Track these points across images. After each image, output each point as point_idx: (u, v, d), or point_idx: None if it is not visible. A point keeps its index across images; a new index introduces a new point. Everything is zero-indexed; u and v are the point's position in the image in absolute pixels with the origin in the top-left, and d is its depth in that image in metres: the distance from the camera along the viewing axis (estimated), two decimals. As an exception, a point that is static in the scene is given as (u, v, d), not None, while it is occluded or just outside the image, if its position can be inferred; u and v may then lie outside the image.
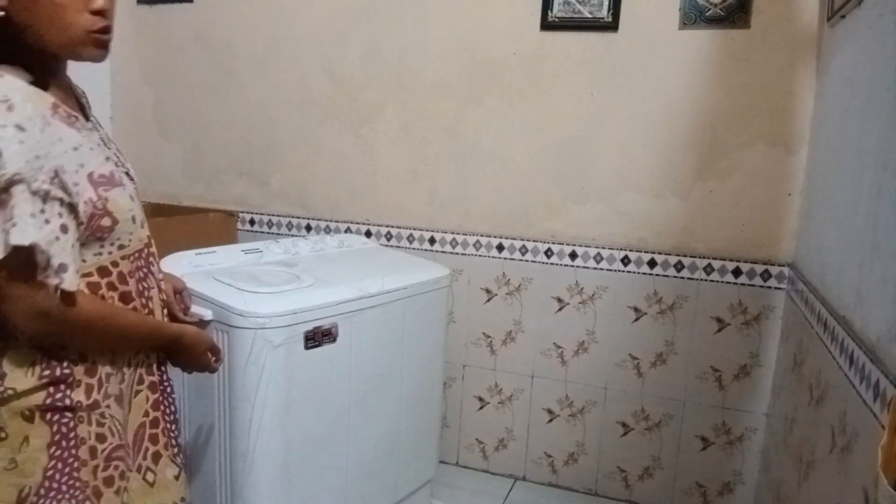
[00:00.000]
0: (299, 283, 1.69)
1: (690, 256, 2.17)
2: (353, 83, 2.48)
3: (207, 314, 1.54)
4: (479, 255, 2.41)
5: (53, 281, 0.94)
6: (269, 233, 2.68)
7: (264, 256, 1.92)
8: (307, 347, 1.59)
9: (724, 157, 2.10)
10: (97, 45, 1.01)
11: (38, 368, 1.01)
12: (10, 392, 0.99)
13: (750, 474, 2.19)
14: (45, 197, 0.92)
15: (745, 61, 2.04)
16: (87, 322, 1.01)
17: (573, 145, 2.25)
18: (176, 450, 1.25)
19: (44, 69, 1.00)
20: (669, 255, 2.19)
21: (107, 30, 1.02)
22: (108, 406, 1.08)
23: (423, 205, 2.46)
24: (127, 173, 1.15)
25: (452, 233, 2.43)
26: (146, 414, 1.18)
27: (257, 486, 1.56)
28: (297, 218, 2.64)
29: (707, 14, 2.05)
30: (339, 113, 2.52)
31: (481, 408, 2.49)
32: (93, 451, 1.06)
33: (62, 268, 0.94)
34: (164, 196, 2.82)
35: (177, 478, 1.23)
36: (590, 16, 2.16)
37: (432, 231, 2.46)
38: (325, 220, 2.60)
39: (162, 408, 1.22)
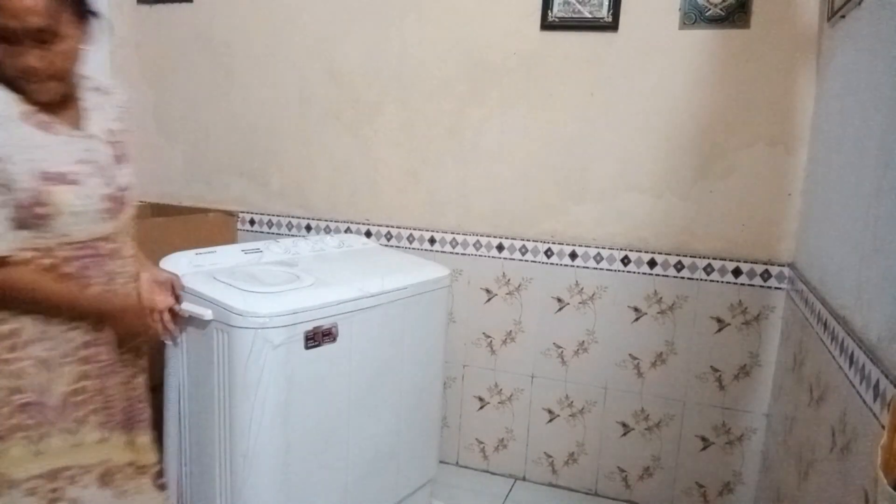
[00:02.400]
0: (299, 282, 1.69)
1: (690, 256, 2.17)
2: (353, 83, 2.48)
3: (207, 314, 1.54)
4: (479, 256, 2.41)
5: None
6: (269, 233, 2.68)
7: (264, 256, 1.92)
8: (307, 347, 1.59)
9: (723, 157, 2.10)
10: (35, 93, 1.22)
11: None
12: None
13: (750, 474, 2.19)
14: None
15: (745, 61, 2.04)
16: (9, 285, 1.20)
17: (573, 145, 2.25)
18: (107, 419, 1.38)
19: (35, 89, 1.21)
20: (669, 255, 2.19)
21: (40, 79, 1.20)
22: (29, 365, 1.25)
23: (423, 205, 2.46)
24: (112, 177, 1.33)
25: (452, 233, 2.43)
26: (71, 384, 1.32)
27: (257, 486, 1.56)
28: (297, 218, 2.64)
29: (707, 14, 2.05)
30: (339, 113, 2.52)
31: (481, 408, 2.49)
32: (2, 402, 1.24)
33: (7, 239, 1.16)
34: (164, 196, 2.82)
35: (101, 442, 1.37)
36: (590, 16, 2.16)
37: (432, 231, 2.46)
38: (325, 220, 2.60)
39: (93, 382, 1.35)
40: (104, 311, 1.33)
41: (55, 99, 1.26)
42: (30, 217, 1.20)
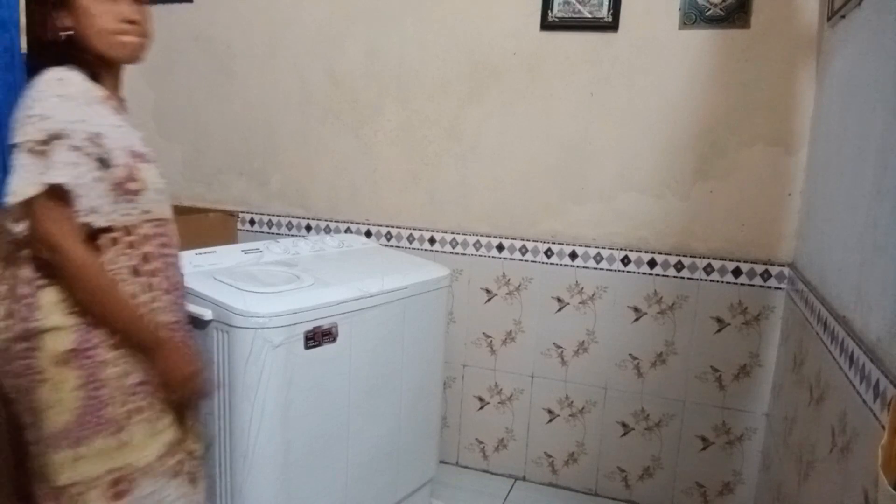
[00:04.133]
0: (299, 283, 1.69)
1: (690, 256, 2.17)
2: (353, 83, 2.48)
3: (207, 314, 1.54)
4: (479, 255, 2.41)
5: (85, 219, 1.17)
6: (269, 233, 2.68)
7: (264, 256, 1.92)
8: (307, 347, 1.59)
9: (723, 157, 2.10)
10: (124, 47, 1.28)
11: (68, 305, 1.19)
12: (42, 323, 1.18)
13: (750, 474, 2.19)
14: (81, 151, 1.17)
15: (745, 61, 2.04)
16: (80, 271, 1.18)
17: (573, 145, 2.25)
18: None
19: (104, 74, 1.29)
20: (669, 255, 2.19)
21: (133, 33, 1.28)
22: (122, 347, 1.24)
23: (422, 205, 2.46)
24: None
25: (452, 233, 2.43)
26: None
27: (257, 486, 1.56)
28: (297, 218, 2.64)
29: (707, 14, 2.05)
30: (339, 113, 2.52)
31: (481, 408, 2.49)
32: (115, 390, 1.22)
33: (93, 209, 1.18)
34: (164, 196, 2.81)
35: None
36: (590, 16, 2.16)
37: (432, 231, 2.46)
38: (325, 220, 2.60)
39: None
40: (155, 344, 1.27)
41: (134, 62, 1.32)
42: (122, 192, 1.24)
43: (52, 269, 1.19)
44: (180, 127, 2.77)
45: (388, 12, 2.40)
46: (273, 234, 2.67)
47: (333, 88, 2.51)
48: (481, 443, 2.51)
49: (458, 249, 2.43)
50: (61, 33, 1.24)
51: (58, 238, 1.16)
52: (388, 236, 2.51)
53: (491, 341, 2.43)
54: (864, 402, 1.09)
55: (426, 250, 2.45)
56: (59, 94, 1.17)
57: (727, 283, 2.14)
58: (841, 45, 1.65)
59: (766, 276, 2.09)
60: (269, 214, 2.68)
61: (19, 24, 2.42)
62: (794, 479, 1.59)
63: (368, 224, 2.54)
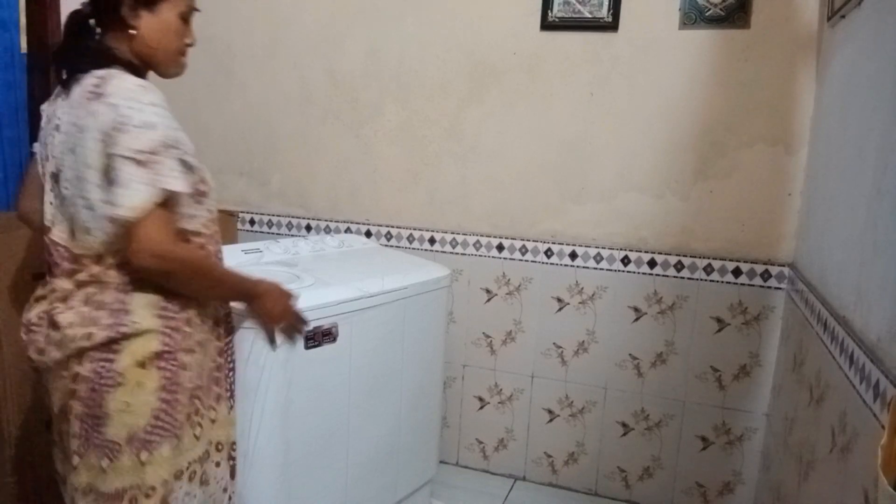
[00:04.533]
0: (299, 283, 1.69)
1: (690, 256, 2.17)
2: (353, 83, 2.48)
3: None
4: (479, 256, 2.41)
5: (185, 225, 1.21)
6: (269, 233, 2.68)
7: (264, 256, 1.92)
8: (307, 347, 1.59)
9: (723, 157, 2.10)
10: (178, 67, 1.36)
11: (156, 309, 1.21)
12: (136, 326, 1.18)
13: (750, 474, 2.19)
14: (180, 159, 1.20)
15: (745, 61, 2.04)
16: (194, 266, 1.23)
17: (573, 145, 2.25)
18: (230, 393, 1.43)
19: (180, 65, 1.36)
20: (669, 255, 2.19)
21: (187, 56, 1.37)
22: (195, 351, 1.27)
23: (422, 205, 2.46)
24: None
25: (452, 233, 2.43)
26: (214, 360, 1.36)
27: (257, 486, 1.56)
28: (297, 218, 2.64)
29: (707, 14, 2.05)
30: (339, 113, 2.52)
31: (481, 408, 2.49)
32: (184, 393, 1.24)
33: (190, 216, 1.22)
34: (164, 196, 2.81)
35: (229, 412, 1.41)
36: (590, 16, 2.16)
37: (432, 231, 2.46)
38: (325, 220, 2.60)
39: (225, 354, 1.40)
40: (256, 292, 1.39)
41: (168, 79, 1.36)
42: (197, 195, 1.27)
43: (137, 274, 1.19)
44: (180, 127, 2.76)
45: (388, 12, 2.40)
46: (273, 234, 2.67)
47: (333, 88, 2.51)
48: (481, 443, 2.51)
49: (458, 249, 2.43)
50: (131, 31, 1.25)
51: (166, 245, 1.17)
52: (388, 236, 2.51)
53: (491, 341, 2.43)
54: (864, 402, 1.09)
55: (426, 250, 2.45)
56: (151, 102, 1.17)
57: (727, 283, 2.14)
58: (841, 45, 1.65)
59: (766, 276, 2.09)
60: (269, 214, 2.68)
61: (19, 24, 2.42)
62: (794, 479, 1.59)
63: (368, 224, 2.54)
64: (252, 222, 2.71)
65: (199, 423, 1.29)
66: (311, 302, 1.60)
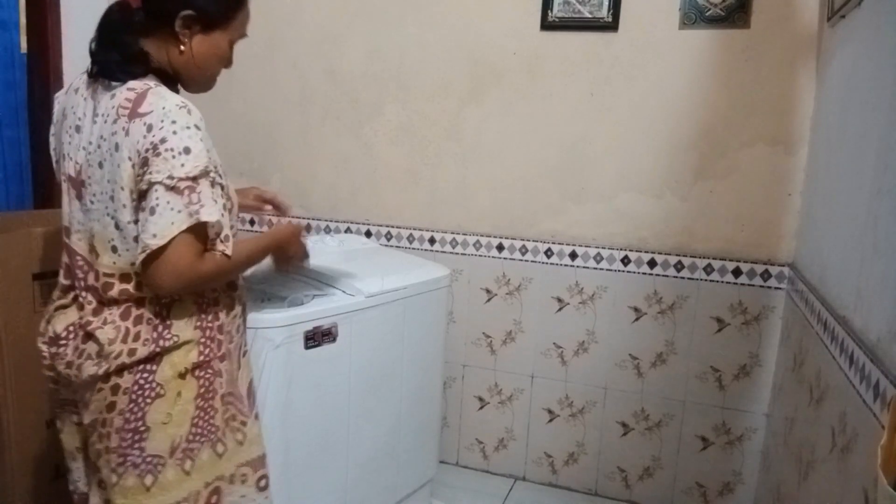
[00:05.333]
0: (299, 283, 1.69)
1: (690, 256, 2.17)
2: (353, 83, 2.48)
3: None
4: (479, 255, 2.41)
5: (221, 248, 1.17)
6: (269, 233, 2.67)
7: (264, 256, 1.92)
8: (307, 347, 1.59)
9: (723, 157, 2.10)
10: (210, 86, 1.35)
11: (194, 320, 1.20)
12: (176, 339, 1.17)
13: (750, 474, 2.19)
14: (217, 183, 1.16)
15: (745, 61, 2.04)
16: (219, 272, 1.20)
17: (573, 145, 2.25)
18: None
19: (212, 81, 1.33)
20: (669, 255, 2.19)
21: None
22: (226, 359, 1.26)
23: (423, 205, 2.46)
24: None
25: (452, 233, 2.43)
26: (251, 373, 1.36)
27: (257, 486, 1.56)
28: (297, 218, 2.64)
29: (707, 14, 2.05)
30: (339, 113, 2.52)
31: (481, 408, 2.49)
32: (217, 398, 1.23)
33: (227, 238, 1.18)
34: (164, 196, 2.81)
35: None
36: (590, 16, 2.16)
37: (432, 231, 2.46)
38: (325, 220, 2.60)
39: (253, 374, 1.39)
40: (276, 242, 1.40)
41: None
42: (228, 211, 1.26)
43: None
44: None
45: (388, 12, 2.40)
46: (273, 234, 2.66)
47: (333, 88, 2.51)
48: (481, 443, 2.51)
49: (458, 249, 2.43)
50: (181, 47, 1.21)
51: (190, 274, 1.13)
52: (388, 236, 2.51)
53: (491, 341, 2.43)
54: (864, 402, 1.09)
55: (426, 250, 2.45)
56: (191, 125, 1.14)
57: (727, 283, 2.14)
58: (841, 45, 1.65)
59: (766, 276, 2.09)
60: (268, 214, 2.67)
61: (19, 24, 2.42)
62: (794, 479, 1.59)
63: (368, 224, 2.54)
64: (252, 222, 2.71)
65: (239, 429, 1.27)
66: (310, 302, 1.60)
